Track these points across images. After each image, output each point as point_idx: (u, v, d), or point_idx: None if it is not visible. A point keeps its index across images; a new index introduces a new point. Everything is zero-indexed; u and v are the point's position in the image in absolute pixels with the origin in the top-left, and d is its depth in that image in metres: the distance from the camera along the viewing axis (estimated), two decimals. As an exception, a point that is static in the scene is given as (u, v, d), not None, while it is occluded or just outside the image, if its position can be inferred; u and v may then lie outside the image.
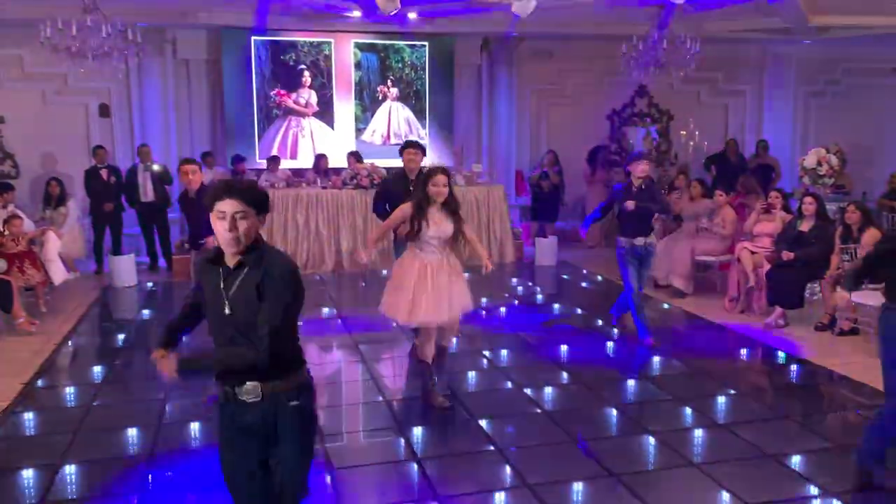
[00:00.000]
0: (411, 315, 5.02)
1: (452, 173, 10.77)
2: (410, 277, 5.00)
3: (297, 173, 10.81)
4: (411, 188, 5.92)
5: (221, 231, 2.59)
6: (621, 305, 7.03)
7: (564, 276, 9.77)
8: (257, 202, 2.62)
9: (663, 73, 10.01)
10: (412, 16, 10.03)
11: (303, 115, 11.44)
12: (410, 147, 6.47)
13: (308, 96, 11.41)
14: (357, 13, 9.77)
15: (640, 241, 6.43)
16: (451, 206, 5.00)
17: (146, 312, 7.98)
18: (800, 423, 4.93)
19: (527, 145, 12.65)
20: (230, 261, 2.66)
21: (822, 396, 5.66)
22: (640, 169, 6.48)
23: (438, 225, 4.95)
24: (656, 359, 6.23)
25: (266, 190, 2.58)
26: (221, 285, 2.65)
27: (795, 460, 4.32)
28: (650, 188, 6.55)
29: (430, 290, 4.96)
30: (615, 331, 7.04)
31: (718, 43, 11.40)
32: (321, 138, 11.52)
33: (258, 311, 2.59)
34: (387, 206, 6.12)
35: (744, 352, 6.47)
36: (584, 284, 9.37)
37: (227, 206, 2.57)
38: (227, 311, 2.63)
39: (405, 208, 5.05)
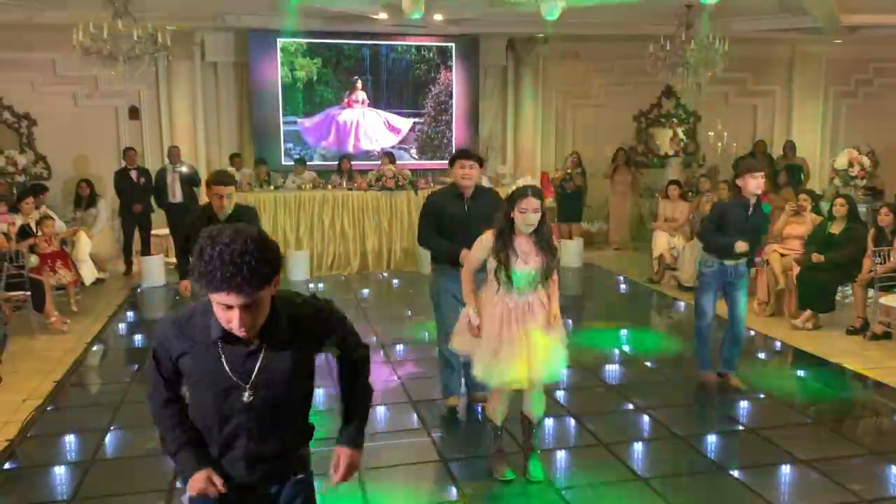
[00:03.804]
0: (490, 372, 3.92)
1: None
2: (492, 324, 3.94)
3: (323, 175, 10.88)
4: (467, 207, 4.91)
5: (226, 321, 2.00)
6: (727, 360, 5.65)
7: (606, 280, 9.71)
8: (270, 279, 1.97)
9: (690, 74, 9.89)
10: (438, 17, 10.04)
11: (329, 116, 11.52)
12: (464, 157, 4.91)
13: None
14: (384, 15, 9.80)
15: (730, 261, 5.42)
16: (543, 238, 3.90)
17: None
18: (832, 429, 4.85)
19: (552, 146, 12.60)
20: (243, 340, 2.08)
21: (855, 402, 5.57)
22: (756, 185, 5.25)
23: (527, 262, 3.86)
24: (682, 362, 6.17)
25: (276, 246, 2.00)
26: (225, 364, 2.10)
27: (827, 466, 4.25)
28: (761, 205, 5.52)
29: (513, 342, 3.88)
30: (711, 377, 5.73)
31: (747, 43, 11.27)
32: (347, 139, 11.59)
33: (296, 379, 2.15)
34: (439, 233, 4.90)
35: (774, 356, 6.38)
36: (612, 286, 9.32)
37: (231, 299, 1.92)
38: (245, 398, 2.11)
39: (484, 241, 3.96)
